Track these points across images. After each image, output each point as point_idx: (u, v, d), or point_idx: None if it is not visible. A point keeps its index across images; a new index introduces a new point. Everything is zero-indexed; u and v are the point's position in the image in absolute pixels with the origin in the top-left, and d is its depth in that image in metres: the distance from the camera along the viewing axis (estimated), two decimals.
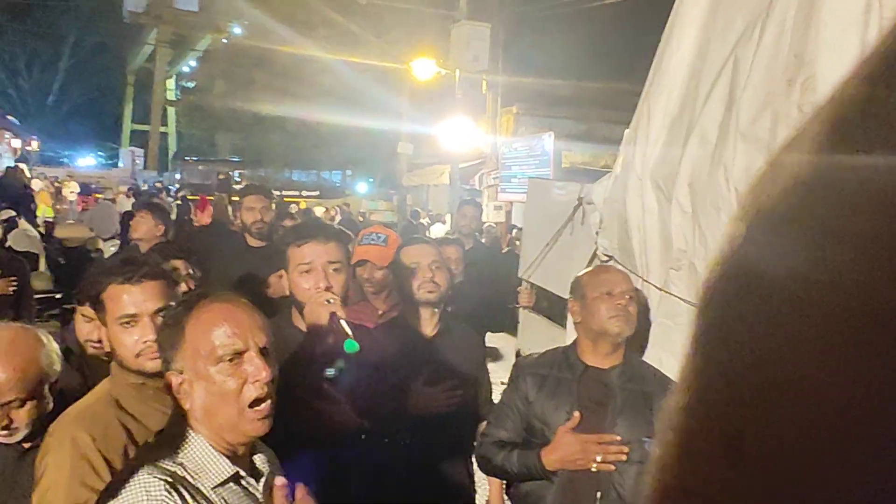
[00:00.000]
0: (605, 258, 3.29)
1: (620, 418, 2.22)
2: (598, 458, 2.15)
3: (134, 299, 1.92)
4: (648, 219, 2.72)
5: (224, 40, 37.68)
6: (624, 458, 2.14)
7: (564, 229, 3.85)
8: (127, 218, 11.76)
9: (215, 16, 38.09)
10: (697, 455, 0.27)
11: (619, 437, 2.16)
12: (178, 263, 3.46)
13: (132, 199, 17.82)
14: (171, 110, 44.29)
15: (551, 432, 2.25)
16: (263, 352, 1.51)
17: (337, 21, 22.76)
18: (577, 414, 2.21)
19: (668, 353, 2.71)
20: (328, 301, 2.10)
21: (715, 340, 0.28)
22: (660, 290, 2.70)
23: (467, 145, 16.52)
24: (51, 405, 1.97)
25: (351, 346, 2.02)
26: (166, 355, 1.53)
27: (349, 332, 2.04)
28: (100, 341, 2.60)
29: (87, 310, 2.71)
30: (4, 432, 1.90)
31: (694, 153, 2.38)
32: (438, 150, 18.33)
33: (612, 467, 2.15)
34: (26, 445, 1.97)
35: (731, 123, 2.18)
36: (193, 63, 44.00)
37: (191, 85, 43.68)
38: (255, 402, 1.47)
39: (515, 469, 2.30)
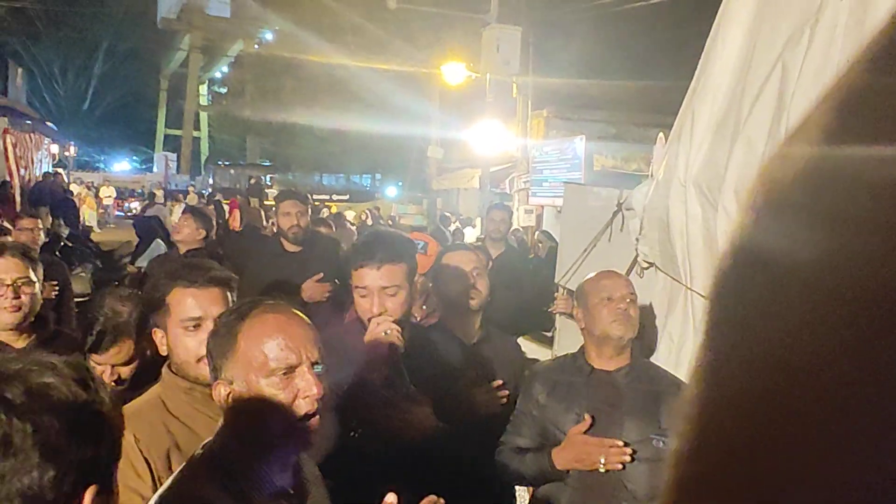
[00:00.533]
0: (646, 265, 3.25)
1: (629, 418, 2.27)
2: (602, 460, 2.19)
3: (199, 303, 1.94)
4: (692, 225, 2.68)
5: (255, 46, 38.10)
6: (629, 458, 2.19)
7: (602, 235, 3.81)
8: (137, 223, 11.87)
9: (246, 22, 38.55)
10: (716, 448, 0.27)
11: (620, 443, 2.20)
12: None
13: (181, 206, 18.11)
14: (203, 115, 44.90)
15: (563, 434, 2.30)
16: (315, 367, 1.50)
17: (366, 27, 22.87)
18: (587, 417, 2.26)
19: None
20: (385, 332, 2.12)
21: (729, 330, 0.28)
22: (704, 297, 2.66)
23: (498, 149, 16.51)
24: None
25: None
26: (216, 363, 1.51)
27: (405, 374, 2.07)
28: (117, 380, 2.62)
29: (96, 357, 2.68)
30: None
31: (740, 159, 2.34)
32: (468, 154, 18.33)
33: (620, 467, 2.19)
34: None
35: (780, 129, 2.14)
36: (225, 69, 44.59)
37: (223, 90, 44.27)
38: (304, 418, 1.46)
39: (530, 472, 2.36)
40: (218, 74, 46.81)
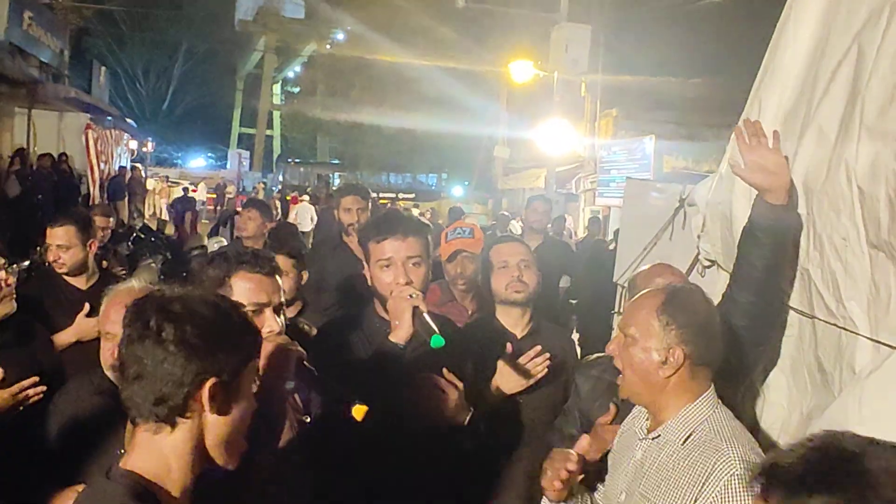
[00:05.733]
0: (707, 263, 3.10)
1: None
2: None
3: (265, 288, 1.97)
4: None
5: (328, 47, 38.76)
6: None
7: (664, 233, 3.67)
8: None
9: (319, 23, 39.18)
10: None
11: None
12: (281, 259, 3.57)
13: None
14: (276, 114, 45.89)
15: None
16: None
17: (435, 27, 22.95)
18: (612, 407, 2.27)
19: (779, 370, 2.52)
20: (410, 296, 2.11)
21: None
22: None
23: (564, 149, 16.30)
24: None
25: (437, 341, 2.02)
26: None
27: (434, 327, 2.05)
28: (57, 260, 2.90)
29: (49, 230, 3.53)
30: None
31: (810, 151, 2.18)
32: (535, 154, 18.18)
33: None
34: None
35: (854, 118, 1.98)
36: (298, 69, 45.48)
37: (295, 90, 45.18)
38: None
39: None
40: (291, 74, 47.78)
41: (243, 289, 1.93)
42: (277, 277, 2.03)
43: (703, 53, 15.61)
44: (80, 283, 3.62)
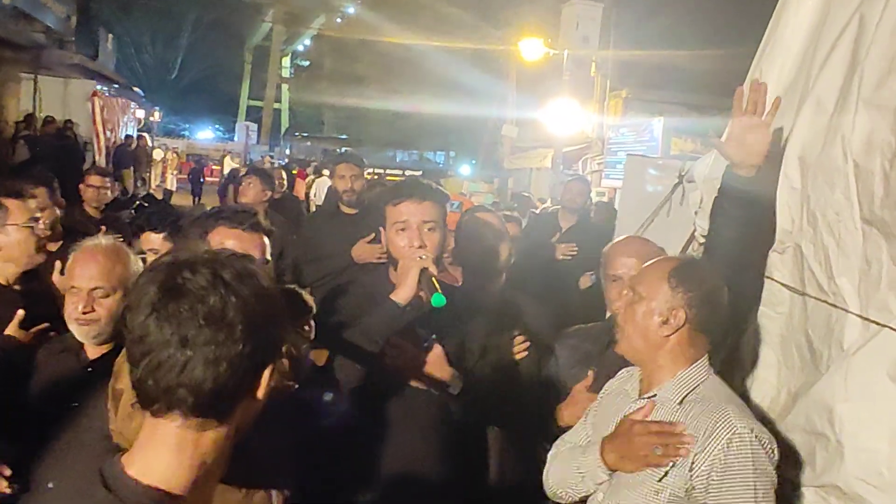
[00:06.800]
0: (703, 240, 3.06)
1: None
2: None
3: (243, 245, 1.96)
4: None
5: (337, 20, 38.51)
6: None
7: (661, 209, 3.63)
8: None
9: None
10: None
11: None
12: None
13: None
14: (284, 87, 45.71)
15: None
16: None
17: (442, 3, 22.78)
18: (590, 373, 2.31)
19: (769, 346, 2.49)
20: (420, 257, 2.12)
21: None
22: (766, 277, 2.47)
23: (572, 129, 16.20)
24: None
25: (438, 300, 2.03)
26: None
27: (438, 287, 2.06)
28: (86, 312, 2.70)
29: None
30: (85, 317, 2.15)
31: (806, 123, 2.14)
32: (543, 134, 18.08)
33: None
34: (93, 356, 2.19)
35: (851, 89, 1.93)
36: (308, 42, 45.24)
37: (304, 63, 44.98)
38: None
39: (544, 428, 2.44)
40: (300, 48, 47.51)
41: (223, 245, 1.91)
42: (263, 235, 2.02)
43: (713, 25, 15.41)
44: (52, 246, 3.59)
